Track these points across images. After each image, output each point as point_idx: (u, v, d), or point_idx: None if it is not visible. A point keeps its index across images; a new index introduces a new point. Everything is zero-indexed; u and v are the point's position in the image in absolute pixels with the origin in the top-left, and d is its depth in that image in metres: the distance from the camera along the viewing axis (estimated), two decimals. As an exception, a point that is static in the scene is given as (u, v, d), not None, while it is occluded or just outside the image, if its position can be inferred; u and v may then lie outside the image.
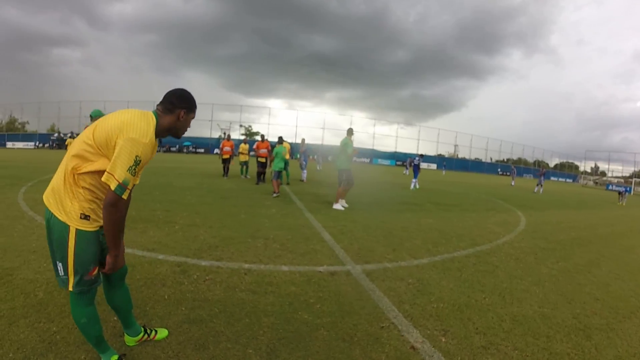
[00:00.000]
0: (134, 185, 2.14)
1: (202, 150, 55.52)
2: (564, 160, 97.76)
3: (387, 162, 64.00)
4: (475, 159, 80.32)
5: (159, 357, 2.57)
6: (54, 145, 51.99)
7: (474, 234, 7.99)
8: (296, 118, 69.24)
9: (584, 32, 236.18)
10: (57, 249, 2.16)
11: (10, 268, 3.95)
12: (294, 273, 4.42)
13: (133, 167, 2.03)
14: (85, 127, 3.18)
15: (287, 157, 13.76)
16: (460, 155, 78.59)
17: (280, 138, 13.60)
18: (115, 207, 2.05)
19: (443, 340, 3.17)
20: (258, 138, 16.40)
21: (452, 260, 5.68)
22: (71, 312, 2.28)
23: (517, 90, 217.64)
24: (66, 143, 32.92)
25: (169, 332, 2.87)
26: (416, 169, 19.67)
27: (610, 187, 56.55)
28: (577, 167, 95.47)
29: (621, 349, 3.34)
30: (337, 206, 9.65)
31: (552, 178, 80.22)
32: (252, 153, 16.61)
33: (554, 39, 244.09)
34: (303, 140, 18.73)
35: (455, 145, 76.17)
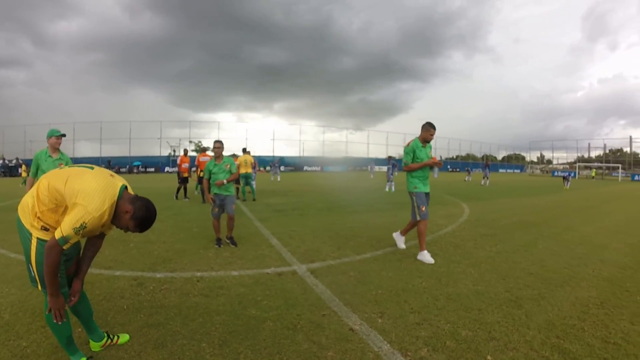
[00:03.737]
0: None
1: (152, 169, 54.45)
2: (511, 152, 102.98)
3: (338, 168, 64.82)
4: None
5: (122, 358, 2.87)
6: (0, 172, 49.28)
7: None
8: (246, 130, 68.66)
9: (522, 30, 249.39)
10: (25, 253, 2.51)
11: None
12: (243, 276, 4.78)
13: (78, 229, 2.33)
14: (60, 165, 3.55)
15: (250, 170, 14.10)
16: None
17: (244, 149, 14.22)
18: (52, 250, 2.33)
19: (380, 321, 3.63)
20: (210, 153, 16.05)
21: (393, 253, 6.20)
22: (44, 314, 2.57)
23: (462, 90, 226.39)
24: (21, 170, 31.57)
25: (130, 336, 3.17)
26: (390, 171, 20.98)
27: (555, 174, 60.20)
28: (524, 158, 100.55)
29: (551, 314, 3.86)
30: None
31: (501, 170, 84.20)
32: (192, 169, 15.68)
33: (492, 39, 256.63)
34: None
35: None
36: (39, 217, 2.45)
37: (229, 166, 6.55)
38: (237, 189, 13.86)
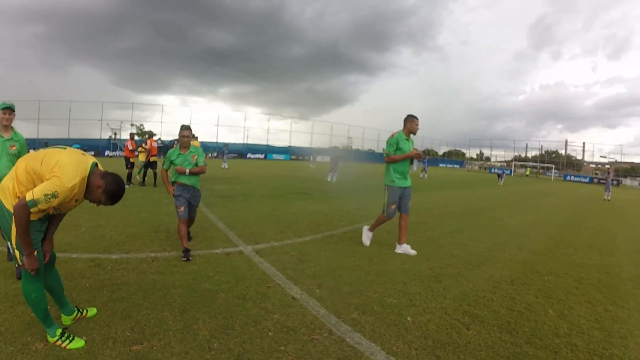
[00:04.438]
0: (47, 210, 2.79)
1: (92, 152, 52.13)
2: (452, 149, 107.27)
3: (281, 156, 65.10)
4: (369, 149, 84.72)
5: (93, 329, 3.26)
6: None
7: (354, 214, 9.34)
8: (190, 115, 67.05)
9: (472, 32, 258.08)
10: (5, 232, 2.82)
11: None
12: (194, 256, 5.23)
13: (48, 196, 2.66)
14: (12, 147, 3.79)
15: None
16: (354, 147, 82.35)
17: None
18: (21, 209, 2.65)
19: (317, 291, 4.26)
20: (154, 137, 15.68)
21: (331, 236, 6.87)
22: (22, 289, 2.91)
23: (408, 85, 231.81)
24: None
25: (97, 310, 3.58)
26: (335, 162, 21.36)
27: (492, 170, 64.14)
28: (464, 154, 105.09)
29: (466, 287, 4.68)
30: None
31: (441, 165, 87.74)
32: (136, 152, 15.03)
33: (442, 39, 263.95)
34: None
35: (349, 138, 79.33)
36: (18, 197, 2.79)
37: (195, 157, 5.55)
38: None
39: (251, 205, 10.10)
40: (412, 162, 6.32)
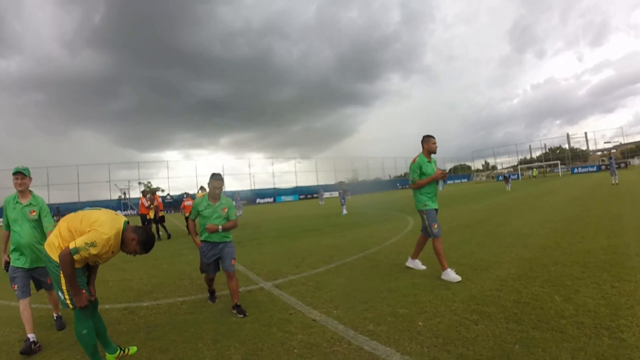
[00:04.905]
0: (88, 258, 3.28)
1: (104, 214, 52.78)
2: (457, 164, 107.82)
3: (290, 197, 65.77)
4: (375, 178, 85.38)
5: (135, 362, 3.66)
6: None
7: (365, 242, 9.70)
8: (195, 168, 68.29)
9: (455, 48, 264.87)
10: (55, 281, 3.31)
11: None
12: (219, 296, 5.61)
13: (88, 245, 3.19)
14: (31, 212, 4.25)
15: None
16: (360, 179, 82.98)
17: (202, 187, 15.04)
18: (65, 257, 3.16)
19: (335, 312, 4.61)
20: (159, 194, 16.26)
21: (344, 264, 7.22)
22: (74, 328, 3.37)
23: (403, 109, 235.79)
24: None
25: (137, 348, 3.96)
26: (343, 196, 22.08)
27: (500, 178, 64.22)
28: (469, 167, 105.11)
29: (474, 290, 4.97)
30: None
31: (449, 182, 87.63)
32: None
33: (427, 59, 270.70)
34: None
35: (354, 170, 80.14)
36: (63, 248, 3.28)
37: (226, 210, 5.06)
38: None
39: (265, 247, 10.50)
40: (437, 183, 6.28)
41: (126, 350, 3.85)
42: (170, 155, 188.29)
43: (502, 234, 9.00)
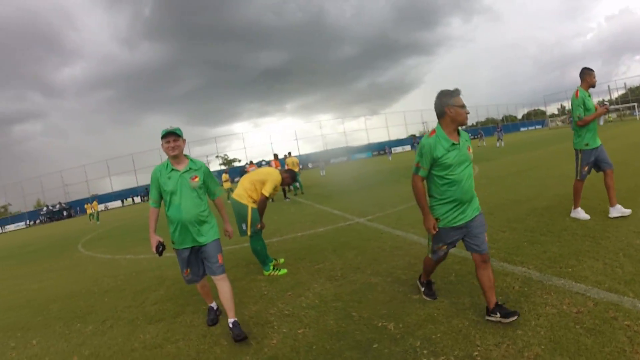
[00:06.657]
0: (273, 194, 5.47)
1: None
2: (530, 109, 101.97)
3: (363, 155, 66.48)
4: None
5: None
6: (46, 219, 51.15)
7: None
8: (269, 136, 70.50)
9: None
10: (242, 217, 5.37)
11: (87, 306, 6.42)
12: (327, 230, 7.72)
13: (273, 187, 5.36)
14: (193, 179, 3.71)
15: (297, 169, 16.96)
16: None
17: (276, 155, 17.17)
18: (263, 202, 5.37)
19: (412, 230, 6.46)
20: (237, 164, 18.07)
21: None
22: (250, 245, 5.48)
23: (468, 55, 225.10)
24: (86, 207, 30.53)
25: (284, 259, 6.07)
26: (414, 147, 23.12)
27: None
28: (544, 113, 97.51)
29: (510, 214, 6.61)
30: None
31: (522, 129, 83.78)
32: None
33: None
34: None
35: (424, 123, 79.03)
36: (250, 196, 5.39)
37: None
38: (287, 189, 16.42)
39: (352, 196, 12.69)
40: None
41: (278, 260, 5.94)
42: (240, 127, 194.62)
43: (550, 177, 9.82)
